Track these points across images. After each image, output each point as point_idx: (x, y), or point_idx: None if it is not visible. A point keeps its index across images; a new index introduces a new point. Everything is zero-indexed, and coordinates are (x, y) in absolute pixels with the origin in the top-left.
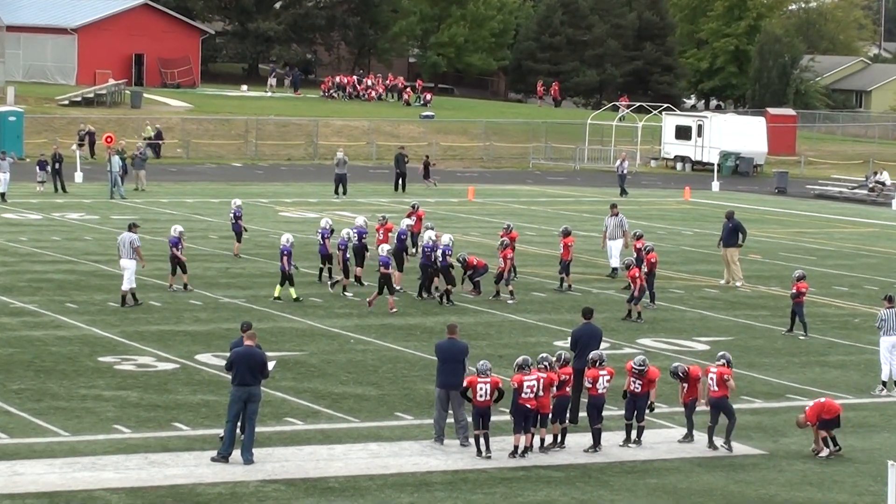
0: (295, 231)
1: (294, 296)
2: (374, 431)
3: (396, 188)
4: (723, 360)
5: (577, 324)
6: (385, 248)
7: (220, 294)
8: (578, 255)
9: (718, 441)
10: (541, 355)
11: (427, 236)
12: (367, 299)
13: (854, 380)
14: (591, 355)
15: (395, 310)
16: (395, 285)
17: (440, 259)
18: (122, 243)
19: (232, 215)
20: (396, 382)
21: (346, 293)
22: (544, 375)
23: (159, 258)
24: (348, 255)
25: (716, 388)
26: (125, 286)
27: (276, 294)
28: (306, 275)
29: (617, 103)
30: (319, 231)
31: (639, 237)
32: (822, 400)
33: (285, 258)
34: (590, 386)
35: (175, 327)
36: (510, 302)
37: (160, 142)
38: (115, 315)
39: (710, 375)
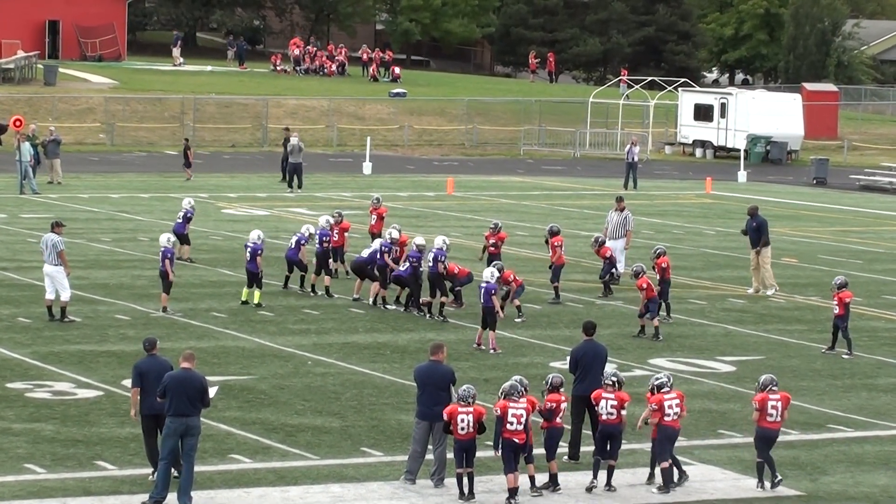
0: (241, 232)
1: (257, 300)
2: (337, 470)
3: (284, 178)
4: (776, 386)
5: (577, 341)
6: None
7: (151, 307)
8: (579, 260)
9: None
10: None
11: (415, 244)
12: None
13: None
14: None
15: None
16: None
17: (429, 265)
18: (45, 246)
19: (181, 216)
20: (362, 412)
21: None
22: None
23: (79, 264)
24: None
25: (779, 419)
26: (50, 295)
27: (253, 300)
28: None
29: (622, 78)
30: (297, 235)
31: (602, 244)
32: None
33: (259, 258)
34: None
35: (98, 347)
36: (518, 321)
37: None
38: (27, 333)
39: (772, 402)
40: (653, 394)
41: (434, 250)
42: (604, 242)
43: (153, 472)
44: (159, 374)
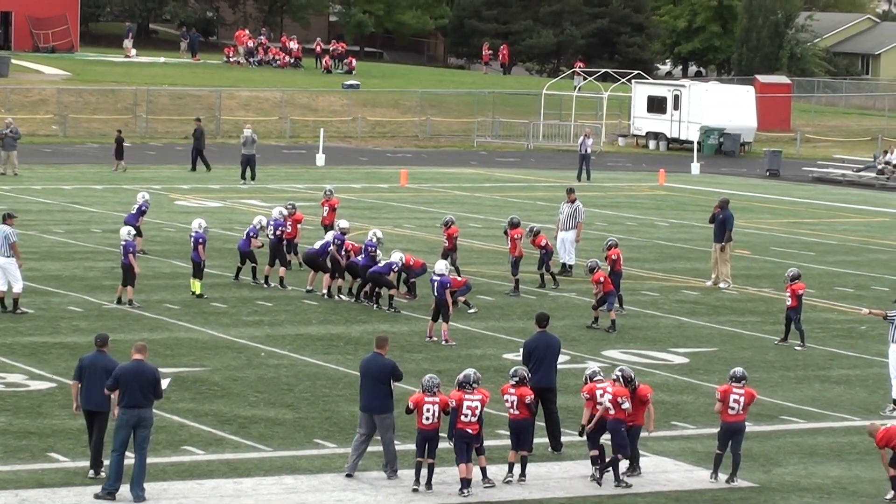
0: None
1: (198, 291)
2: (290, 462)
3: (195, 167)
4: (744, 381)
5: (530, 333)
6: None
7: (104, 298)
8: (531, 251)
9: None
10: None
11: (371, 234)
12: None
13: (860, 398)
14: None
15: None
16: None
17: (379, 264)
18: None
19: (136, 208)
20: (315, 403)
21: (340, 296)
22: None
23: (32, 256)
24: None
25: (741, 412)
26: (2, 287)
27: (195, 290)
28: (220, 276)
29: (576, 70)
30: (251, 228)
31: (536, 233)
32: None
33: (200, 247)
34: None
35: (51, 339)
36: (471, 311)
37: None
38: None
39: (734, 396)
40: (585, 385)
41: (390, 261)
42: (538, 232)
43: (91, 468)
44: (101, 371)
